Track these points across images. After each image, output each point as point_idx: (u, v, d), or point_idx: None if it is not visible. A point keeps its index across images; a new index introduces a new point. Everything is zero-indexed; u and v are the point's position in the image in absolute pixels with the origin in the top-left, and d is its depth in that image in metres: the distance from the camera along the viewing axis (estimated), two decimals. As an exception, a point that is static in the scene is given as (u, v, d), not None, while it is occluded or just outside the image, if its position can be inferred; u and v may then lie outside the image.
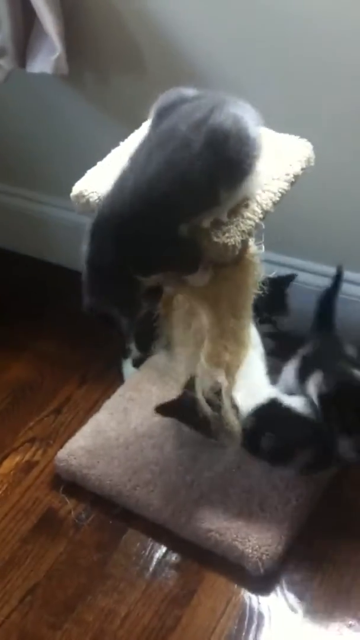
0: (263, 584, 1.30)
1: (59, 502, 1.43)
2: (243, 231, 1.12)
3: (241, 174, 1.08)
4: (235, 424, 1.29)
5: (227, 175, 1.06)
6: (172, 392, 1.40)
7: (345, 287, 1.53)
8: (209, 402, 1.28)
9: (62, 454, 1.45)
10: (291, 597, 1.29)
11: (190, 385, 1.32)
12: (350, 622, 1.25)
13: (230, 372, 1.27)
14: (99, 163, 1.21)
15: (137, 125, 1.26)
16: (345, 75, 1.36)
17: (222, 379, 1.25)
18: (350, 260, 1.53)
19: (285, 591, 1.30)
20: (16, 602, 1.29)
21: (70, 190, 1.19)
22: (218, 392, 1.27)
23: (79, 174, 1.20)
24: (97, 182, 1.17)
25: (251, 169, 1.09)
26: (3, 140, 1.79)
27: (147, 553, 1.35)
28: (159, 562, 1.34)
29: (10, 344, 1.73)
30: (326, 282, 1.51)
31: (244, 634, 1.25)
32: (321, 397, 1.32)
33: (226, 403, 1.27)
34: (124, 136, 1.25)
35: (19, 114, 1.73)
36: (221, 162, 1.05)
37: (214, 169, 1.04)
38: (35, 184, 1.83)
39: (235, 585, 1.30)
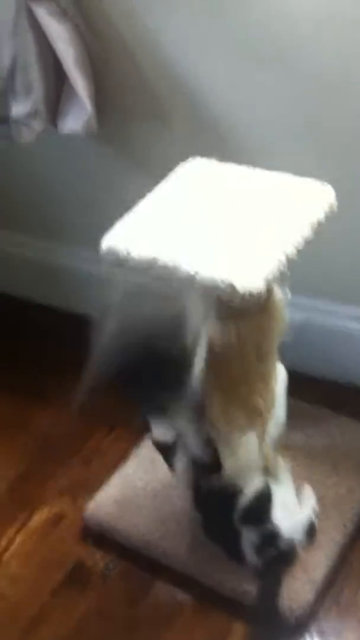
0: (294, 633, 1.28)
1: (87, 554, 1.42)
2: (267, 279, 1.13)
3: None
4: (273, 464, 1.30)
5: None
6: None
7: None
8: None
9: (91, 505, 1.45)
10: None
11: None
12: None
13: (262, 416, 1.27)
14: (125, 215, 1.24)
15: (160, 177, 1.29)
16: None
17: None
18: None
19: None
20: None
21: (96, 241, 1.21)
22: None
23: (105, 226, 1.22)
24: (125, 235, 1.20)
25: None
26: (28, 194, 1.84)
27: (175, 604, 1.33)
28: (188, 613, 1.32)
29: (35, 394, 1.74)
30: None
31: None
32: None
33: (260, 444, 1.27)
34: (148, 188, 1.27)
35: (45, 168, 1.79)
36: None
37: None
38: (62, 237, 1.87)
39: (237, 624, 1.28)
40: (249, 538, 1.29)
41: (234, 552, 1.31)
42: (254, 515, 1.28)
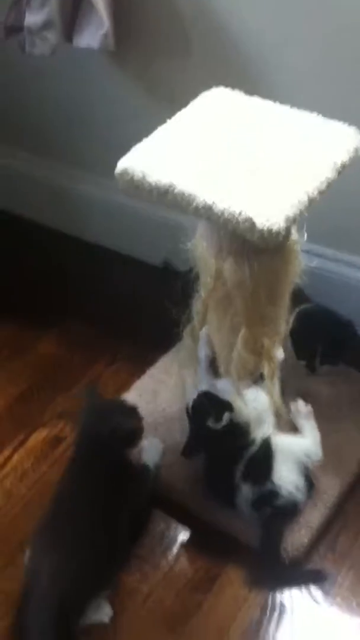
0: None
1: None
2: (287, 217, 1.11)
3: None
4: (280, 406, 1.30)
5: None
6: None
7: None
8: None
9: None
10: (314, 588, 1.29)
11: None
12: (372, 616, 1.25)
13: (270, 358, 1.26)
14: (144, 140, 1.20)
15: (179, 106, 1.25)
16: None
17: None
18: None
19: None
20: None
21: (107, 167, 1.18)
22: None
23: (118, 151, 1.18)
24: (142, 159, 1.16)
25: None
26: (44, 113, 1.79)
27: (171, 535, 1.35)
28: (183, 545, 1.34)
29: (39, 320, 1.72)
30: None
31: (265, 622, 1.25)
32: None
33: (269, 386, 1.27)
34: (164, 116, 1.23)
35: (62, 87, 1.73)
36: None
37: None
38: (73, 160, 1.82)
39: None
40: (245, 494, 1.30)
41: (230, 504, 1.32)
42: (253, 472, 1.30)
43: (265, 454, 1.30)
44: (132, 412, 1.32)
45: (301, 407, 1.39)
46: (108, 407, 1.36)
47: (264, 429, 1.32)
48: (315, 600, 1.27)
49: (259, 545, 1.30)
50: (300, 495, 1.31)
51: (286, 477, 1.30)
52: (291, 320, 1.37)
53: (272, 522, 1.30)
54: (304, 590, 1.29)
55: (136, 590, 1.28)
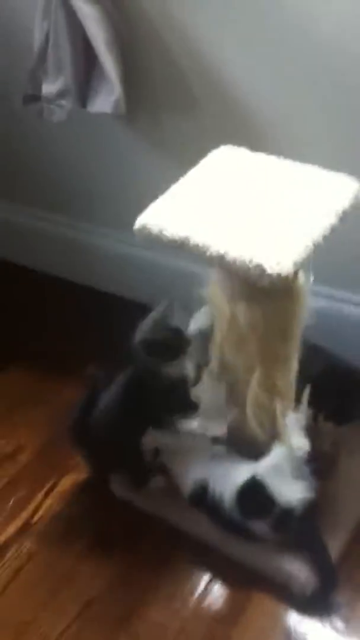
0: (310, 606, 1.34)
1: (114, 520, 1.47)
2: (295, 262, 1.18)
3: None
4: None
5: None
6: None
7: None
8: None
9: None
10: (337, 620, 1.32)
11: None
12: None
13: (284, 396, 1.32)
14: (160, 197, 1.28)
15: (189, 162, 1.33)
16: None
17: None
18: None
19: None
20: (73, 615, 1.34)
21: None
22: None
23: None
24: (158, 215, 1.25)
25: None
26: (57, 172, 1.88)
27: (196, 571, 1.40)
28: (209, 580, 1.38)
29: (57, 367, 1.79)
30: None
31: (291, 651, 1.29)
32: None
33: (281, 423, 1.32)
34: (174, 172, 1.31)
35: (75, 150, 1.82)
36: None
37: None
38: (86, 214, 1.90)
39: (283, 606, 1.34)
40: (262, 530, 1.32)
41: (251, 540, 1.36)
42: (255, 509, 1.32)
43: (258, 489, 1.32)
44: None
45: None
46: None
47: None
48: (339, 631, 1.31)
49: (309, 556, 1.33)
50: (309, 490, 1.32)
51: (287, 489, 1.31)
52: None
53: (305, 531, 1.33)
54: (327, 621, 1.32)
55: (166, 627, 1.32)
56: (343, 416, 1.45)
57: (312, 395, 1.40)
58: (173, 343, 1.37)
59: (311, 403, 1.40)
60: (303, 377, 1.38)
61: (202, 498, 1.36)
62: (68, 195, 1.90)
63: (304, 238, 1.20)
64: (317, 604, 1.33)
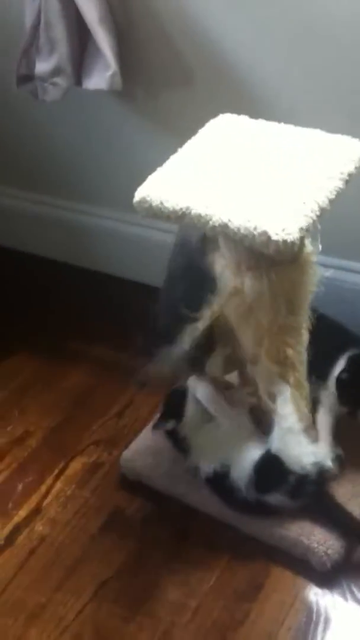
0: (329, 578, 1.32)
1: (126, 501, 1.46)
2: (301, 228, 1.16)
3: None
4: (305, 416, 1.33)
5: None
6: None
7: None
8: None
9: (127, 454, 1.50)
10: (358, 591, 1.31)
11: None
12: None
13: (294, 367, 1.30)
14: (158, 169, 1.26)
15: (186, 137, 1.30)
16: None
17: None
18: None
19: (352, 585, 1.32)
20: (89, 596, 1.33)
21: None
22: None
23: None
24: (158, 186, 1.22)
25: None
26: (56, 154, 1.86)
27: (213, 549, 1.38)
28: (226, 557, 1.36)
29: (66, 352, 1.78)
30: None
31: (312, 627, 1.27)
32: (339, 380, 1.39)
33: (295, 395, 1.30)
34: (173, 147, 1.29)
35: (72, 128, 1.79)
36: None
37: None
38: (86, 196, 1.88)
39: (302, 580, 1.33)
40: (278, 501, 1.33)
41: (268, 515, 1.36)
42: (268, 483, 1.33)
43: (274, 462, 1.32)
44: None
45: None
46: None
47: None
48: (359, 602, 1.29)
49: (330, 521, 1.33)
50: (322, 455, 1.34)
51: (299, 455, 1.32)
52: (342, 363, 1.41)
53: (322, 496, 1.33)
54: (347, 593, 1.31)
55: (184, 605, 1.31)
56: None
57: (351, 388, 1.41)
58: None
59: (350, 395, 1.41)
60: (320, 353, 1.37)
61: (220, 482, 1.36)
62: (65, 177, 1.88)
63: (310, 203, 1.17)
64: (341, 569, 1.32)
